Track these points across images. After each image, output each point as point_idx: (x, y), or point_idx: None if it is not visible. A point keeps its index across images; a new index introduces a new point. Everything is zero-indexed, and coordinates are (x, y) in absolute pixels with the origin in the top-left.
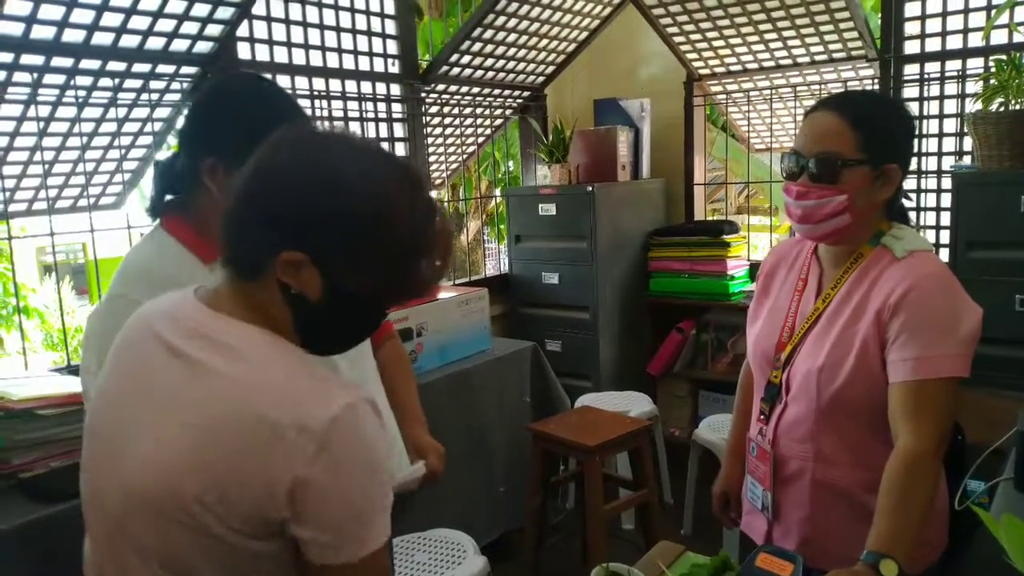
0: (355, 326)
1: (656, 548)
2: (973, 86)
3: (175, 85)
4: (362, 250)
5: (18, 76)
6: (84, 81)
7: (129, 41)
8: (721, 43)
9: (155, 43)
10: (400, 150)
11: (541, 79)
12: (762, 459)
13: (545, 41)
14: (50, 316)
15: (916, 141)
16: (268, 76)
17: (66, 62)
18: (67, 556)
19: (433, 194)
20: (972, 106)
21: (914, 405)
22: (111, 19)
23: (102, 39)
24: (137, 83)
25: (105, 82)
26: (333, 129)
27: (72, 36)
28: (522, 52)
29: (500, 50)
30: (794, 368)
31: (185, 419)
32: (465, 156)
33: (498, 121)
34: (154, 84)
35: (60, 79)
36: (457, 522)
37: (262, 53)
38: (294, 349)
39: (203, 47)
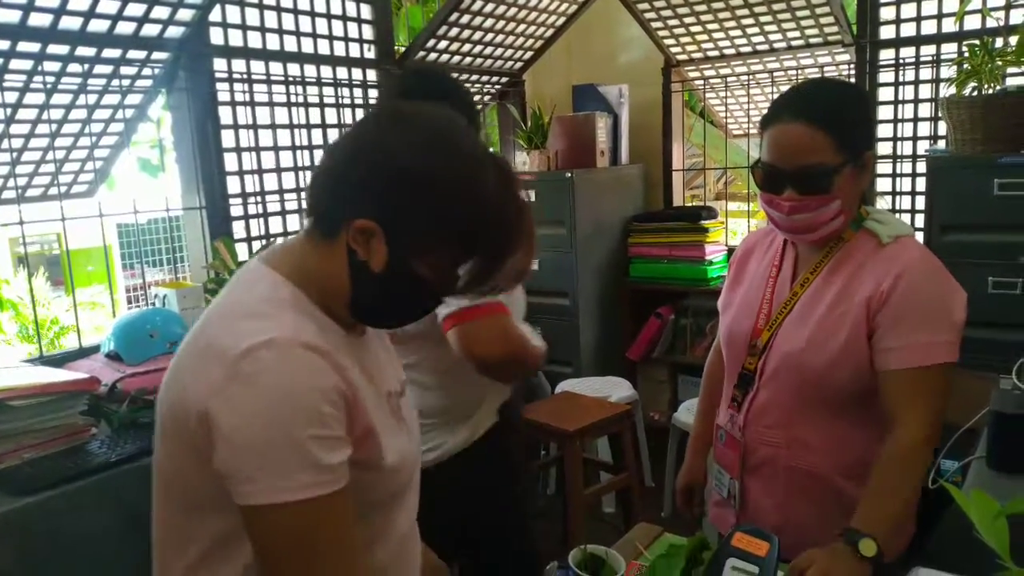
0: (408, 305)
1: (635, 530)
2: (947, 71)
3: (146, 71)
4: (438, 236)
5: None
6: (52, 67)
7: (98, 26)
8: (699, 28)
9: (125, 28)
10: None
11: (519, 65)
12: (731, 446)
13: (523, 26)
14: (25, 308)
15: (892, 124)
16: (241, 61)
17: (33, 47)
18: (42, 547)
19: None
20: (946, 91)
21: (912, 392)
22: (79, 2)
23: (70, 23)
24: (107, 69)
25: (74, 68)
26: (444, 117)
27: (39, 20)
28: (500, 37)
29: (477, 35)
30: (771, 353)
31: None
32: None
33: (476, 107)
34: (125, 70)
35: (27, 64)
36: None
37: (235, 38)
38: (287, 295)
39: (175, 32)
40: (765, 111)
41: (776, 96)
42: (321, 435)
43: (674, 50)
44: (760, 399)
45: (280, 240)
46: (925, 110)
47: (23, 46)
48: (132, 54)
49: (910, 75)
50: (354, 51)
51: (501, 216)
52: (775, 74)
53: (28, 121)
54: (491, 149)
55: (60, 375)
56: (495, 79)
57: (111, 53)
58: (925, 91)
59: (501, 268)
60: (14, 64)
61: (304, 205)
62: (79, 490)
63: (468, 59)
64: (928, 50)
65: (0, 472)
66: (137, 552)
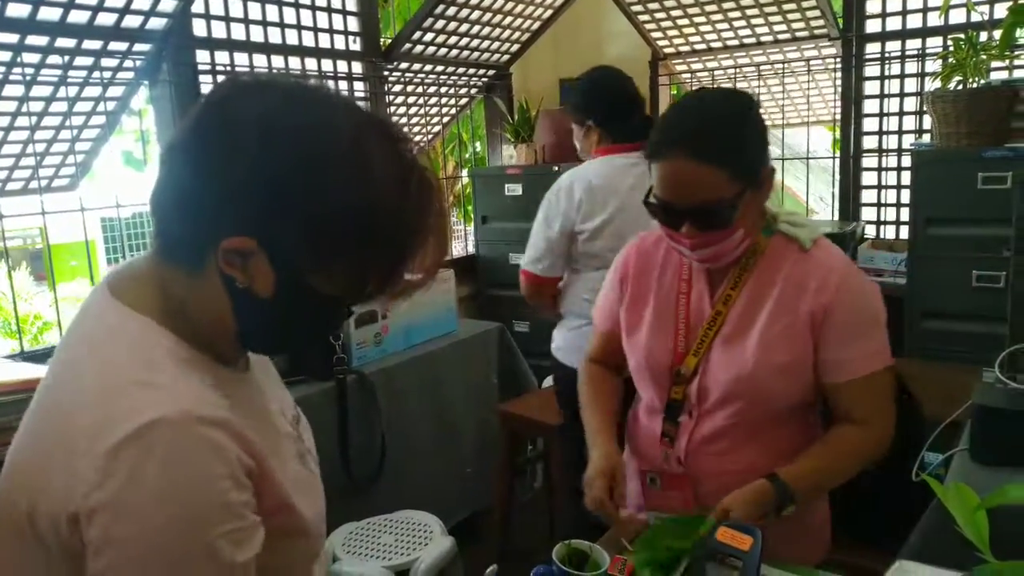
0: (311, 326)
1: (615, 528)
2: (932, 65)
3: (128, 63)
4: (330, 241)
5: None
6: (32, 58)
7: (78, 16)
8: (685, 21)
9: (106, 19)
10: None
11: (506, 57)
12: (675, 487)
13: (510, 19)
14: (7, 303)
15: (878, 119)
16: (224, 53)
17: (11, 38)
18: None
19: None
20: (931, 85)
21: (871, 397)
22: None
23: (49, 14)
24: (88, 61)
25: (54, 59)
26: (302, 84)
27: (17, 11)
28: (486, 30)
29: (464, 27)
30: (709, 377)
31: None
32: (430, 136)
33: (463, 100)
34: (106, 62)
35: (6, 56)
36: (424, 503)
37: (218, 30)
38: (165, 346)
39: (156, 23)
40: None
41: (665, 124)
42: (230, 529)
43: (661, 43)
44: (703, 428)
45: (123, 262)
46: (911, 104)
47: (1, 37)
48: (113, 45)
49: (896, 69)
50: (339, 43)
51: (400, 199)
52: (762, 67)
53: (8, 114)
54: (372, 114)
55: (42, 371)
56: (482, 72)
57: (92, 44)
58: (911, 85)
59: (408, 264)
60: None
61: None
62: None
63: (455, 51)
64: (914, 44)
65: None
66: None
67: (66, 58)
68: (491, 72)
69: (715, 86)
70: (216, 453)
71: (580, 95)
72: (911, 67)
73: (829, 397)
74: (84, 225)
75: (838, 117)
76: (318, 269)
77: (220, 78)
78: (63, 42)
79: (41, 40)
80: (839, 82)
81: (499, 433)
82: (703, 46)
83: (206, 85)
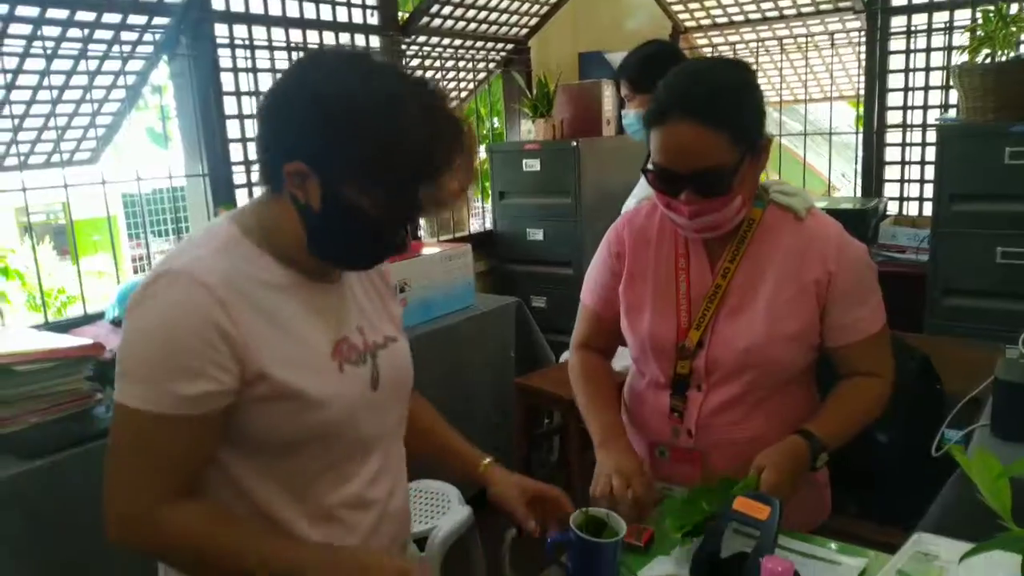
0: (358, 240)
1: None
2: (960, 38)
3: (147, 36)
4: (360, 162)
5: None
6: (52, 32)
7: None
8: None
9: None
10: None
11: (525, 31)
12: (684, 460)
13: None
14: (31, 277)
15: (902, 93)
16: (242, 27)
17: (32, 11)
18: (49, 511)
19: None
20: (958, 58)
21: (876, 354)
22: None
23: None
24: (108, 34)
25: (74, 33)
26: (353, 49)
27: None
28: (505, 3)
29: (482, 1)
30: (715, 351)
31: None
32: None
33: (481, 75)
34: (126, 35)
35: (26, 29)
36: (442, 474)
37: (237, 3)
38: (223, 235)
39: None
40: (774, 80)
41: (667, 89)
42: (179, 363)
43: (682, 16)
44: (713, 400)
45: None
46: (936, 79)
47: (21, 10)
48: (133, 19)
49: (922, 42)
50: (357, 17)
51: (426, 134)
52: (784, 41)
53: (29, 87)
54: (411, 73)
55: (65, 341)
56: (500, 46)
57: (111, 18)
58: (937, 59)
59: (424, 192)
60: (13, 29)
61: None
62: (86, 454)
63: (473, 25)
64: (941, 16)
65: (7, 436)
66: None
67: (86, 31)
68: (509, 46)
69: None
70: (190, 302)
71: (638, 66)
72: (937, 40)
73: (838, 358)
74: (105, 198)
75: (862, 92)
76: (358, 190)
77: (239, 52)
78: (83, 15)
79: (61, 13)
80: (863, 56)
81: (515, 407)
82: (725, 19)
83: (225, 59)
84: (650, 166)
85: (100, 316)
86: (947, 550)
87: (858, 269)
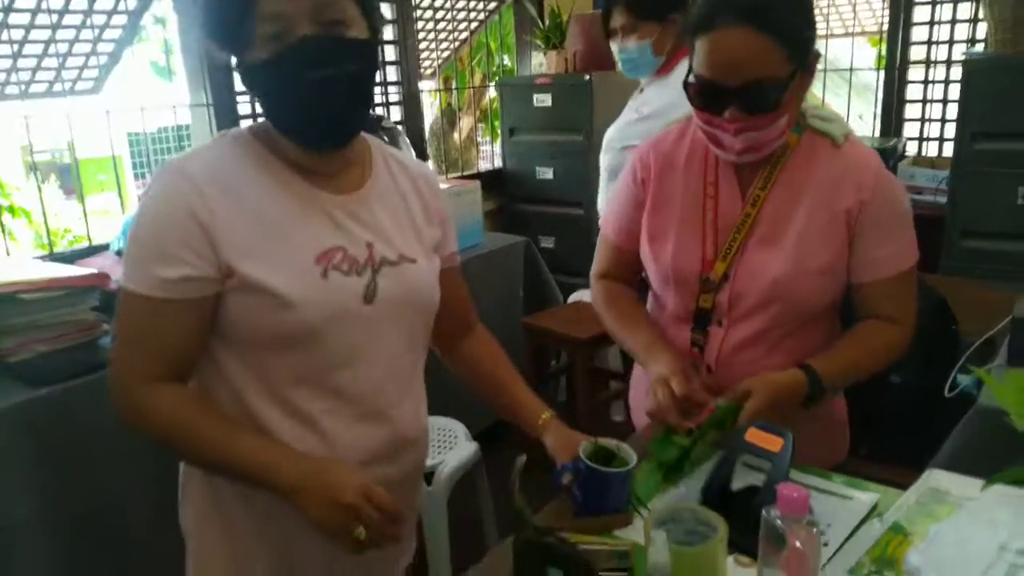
0: (282, 102)
1: (643, 428)
2: None
3: None
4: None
5: None
6: None
7: None
8: None
9: None
10: (388, 34)
11: None
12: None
13: None
14: (37, 216)
15: (928, 27)
16: None
17: None
18: (56, 439)
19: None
20: None
21: (900, 296)
22: None
23: None
24: None
25: None
26: None
27: None
28: None
29: None
30: (740, 283)
31: None
32: (457, 44)
33: (492, 5)
34: None
35: None
36: (450, 410)
37: None
38: (232, 135)
39: None
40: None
41: None
42: (160, 248)
43: None
44: (735, 336)
45: None
46: (964, 12)
47: None
48: None
49: None
50: None
51: None
52: None
53: (28, 10)
54: None
55: (70, 271)
56: None
57: None
58: None
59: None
60: None
61: None
62: (92, 383)
63: None
64: None
65: (14, 364)
66: (149, 445)
67: None
68: None
69: None
70: (172, 192)
71: None
72: None
73: (858, 297)
74: (110, 132)
75: (885, 28)
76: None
77: None
78: None
79: None
80: None
81: (523, 346)
82: None
83: None
84: (691, 79)
85: (105, 248)
86: (959, 486)
87: (892, 203)
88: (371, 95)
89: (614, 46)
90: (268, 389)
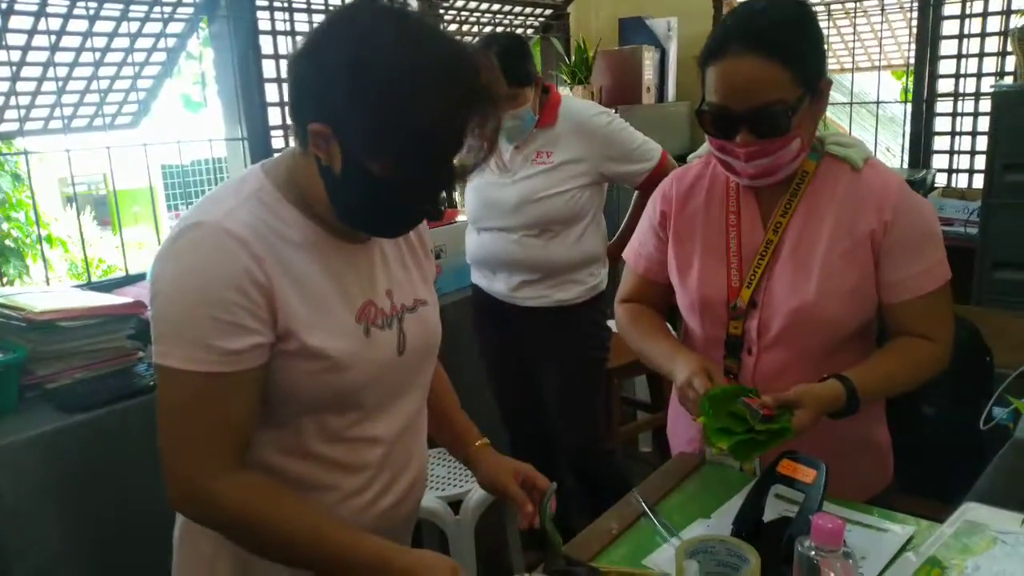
0: (380, 208)
1: (673, 460)
2: (1021, 1)
3: None
4: (379, 130)
5: None
6: None
7: None
8: None
9: None
10: None
11: None
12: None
13: None
14: (73, 245)
15: (955, 60)
16: None
17: None
18: (91, 465)
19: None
20: (1018, 22)
21: (934, 314)
22: None
23: None
24: None
25: None
26: (396, 6)
27: None
28: None
29: None
30: (768, 310)
31: None
32: None
33: None
34: None
35: None
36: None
37: None
38: (253, 186)
39: None
40: (710, 42)
41: (728, 22)
42: (219, 318)
43: None
44: (766, 363)
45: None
46: (992, 45)
47: None
48: None
49: (978, 6)
50: None
51: (452, 109)
52: (832, 7)
53: (72, 49)
54: (451, 37)
55: (108, 299)
56: (538, 11)
57: None
58: (993, 24)
59: (440, 164)
60: None
61: None
62: (127, 410)
63: None
64: None
65: (53, 390)
66: None
67: None
68: (548, 11)
69: None
70: (225, 256)
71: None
72: (995, 3)
73: (890, 317)
74: (147, 161)
75: (911, 61)
76: (379, 161)
77: (278, 14)
78: None
79: None
80: (915, 22)
81: None
82: None
83: (264, 20)
84: (704, 106)
85: (141, 277)
86: (997, 520)
87: (917, 222)
88: None
89: None
90: (292, 445)
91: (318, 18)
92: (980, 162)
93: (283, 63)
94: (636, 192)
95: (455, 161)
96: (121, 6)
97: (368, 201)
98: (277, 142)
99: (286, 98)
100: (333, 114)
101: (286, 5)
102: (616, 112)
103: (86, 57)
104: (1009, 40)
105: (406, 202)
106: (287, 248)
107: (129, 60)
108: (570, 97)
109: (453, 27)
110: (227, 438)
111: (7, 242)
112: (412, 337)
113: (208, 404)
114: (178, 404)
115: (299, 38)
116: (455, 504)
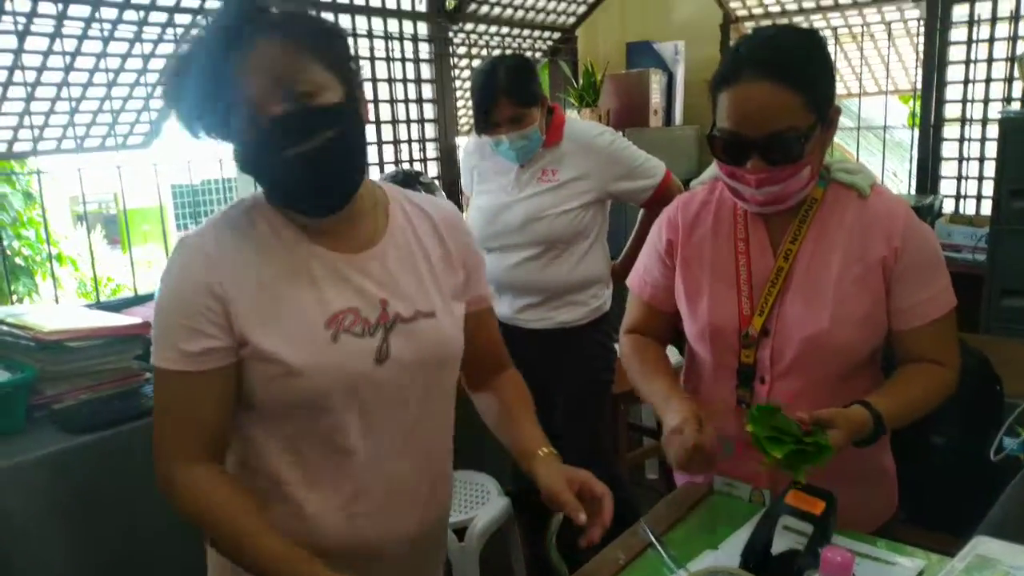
0: (262, 174)
1: (679, 491)
2: None
3: (200, 20)
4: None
5: (42, 7)
6: (109, 14)
7: None
8: None
9: None
10: (427, 92)
11: (572, 19)
12: (751, 451)
13: None
14: (83, 263)
15: (962, 86)
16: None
17: None
18: (97, 485)
19: None
20: None
21: (943, 339)
22: None
23: None
24: (163, 16)
25: (130, 15)
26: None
27: None
28: None
29: None
30: (781, 338)
31: None
32: None
33: None
34: (179, 19)
35: (85, 11)
36: (482, 465)
37: None
38: (247, 202)
39: None
40: (721, 69)
41: (740, 49)
42: (183, 323)
43: (733, 5)
44: (779, 392)
45: None
46: (999, 71)
47: None
48: (187, 2)
49: (984, 32)
50: (405, 3)
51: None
52: (839, 31)
53: (86, 70)
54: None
55: (115, 319)
56: (547, 35)
57: (166, 1)
58: (1000, 50)
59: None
60: (72, 10)
61: None
62: (133, 431)
63: (520, 13)
64: (1007, 5)
65: (59, 411)
66: None
67: (141, 14)
68: (556, 35)
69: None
70: (189, 270)
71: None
72: (1002, 30)
73: (900, 344)
74: (157, 180)
75: (918, 86)
76: (224, 139)
77: None
78: None
79: None
80: (922, 47)
81: None
82: (777, 8)
83: None
84: (715, 132)
85: (150, 297)
86: (1010, 554)
87: (925, 247)
88: (358, 152)
89: (495, 138)
90: (287, 448)
91: None
92: (988, 188)
93: None
94: (641, 210)
95: (254, 102)
96: (135, 28)
97: (262, 180)
98: None
99: None
100: (202, 121)
101: None
102: (623, 134)
103: (99, 78)
104: (1016, 66)
105: (264, 151)
106: (257, 254)
107: (141, 81)
108: (573, 118)
109: (463, 50)
110: (193, 432)
111: (17, 260)
112: (398, 348)
113: (178, 400)
114: (158, 399)
115: None
116: (459, 531)
